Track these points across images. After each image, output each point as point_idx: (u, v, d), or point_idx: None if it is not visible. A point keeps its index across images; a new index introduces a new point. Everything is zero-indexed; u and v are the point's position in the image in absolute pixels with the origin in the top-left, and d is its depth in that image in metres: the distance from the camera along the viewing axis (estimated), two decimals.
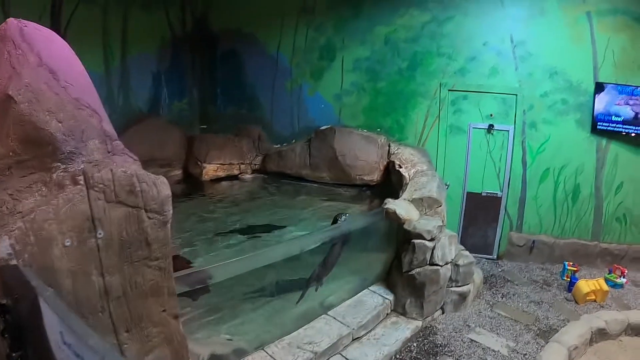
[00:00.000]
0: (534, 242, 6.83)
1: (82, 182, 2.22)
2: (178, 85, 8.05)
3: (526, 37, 6.46)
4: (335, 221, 5.00)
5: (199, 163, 7.32)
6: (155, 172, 6.53)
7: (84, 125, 2.28)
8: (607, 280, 5.94)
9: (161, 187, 2.46)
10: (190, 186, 7.14)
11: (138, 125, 7.12)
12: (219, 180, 7.33)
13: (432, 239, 4.80)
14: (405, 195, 5.49)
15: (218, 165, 7.35)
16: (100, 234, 2.24)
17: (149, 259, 2.45)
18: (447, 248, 5.03)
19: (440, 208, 5.42)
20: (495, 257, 7.02)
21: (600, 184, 6.61)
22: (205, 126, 8.32)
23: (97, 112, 2.41)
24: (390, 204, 5.17)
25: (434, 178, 5.84)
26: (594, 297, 5.62)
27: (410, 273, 4.83)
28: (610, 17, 6.20)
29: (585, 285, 5.63)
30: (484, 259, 6.92)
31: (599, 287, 5.59)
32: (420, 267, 4.80)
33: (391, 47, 6.93)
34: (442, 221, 5.26)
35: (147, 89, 7.52)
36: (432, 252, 4.82)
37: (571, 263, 6.39)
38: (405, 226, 4.93)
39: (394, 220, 5.03)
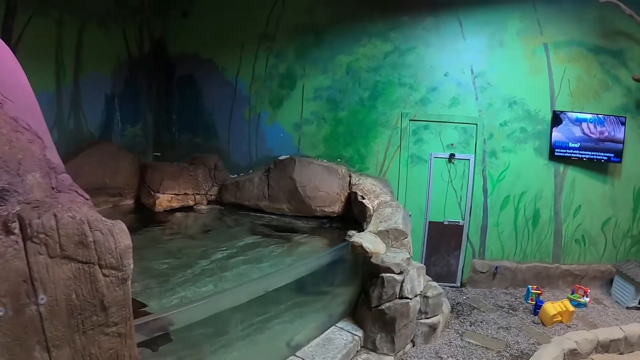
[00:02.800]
0: (496, 268, 6.86)
1: (16, 230, 1.70)
2: (132, 110, 7.60)
3: (486, 68, 6.63)
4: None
5: (152, 193, 6.91)
6: (106, 202, 6.28)
7: (21, 154, 1.80)
8: (571, 301, 6.08)
9: (120, 236, 1.97)
10: (143, 217, 6.65)
11: (89, 150, 6.63)
12: (173, 211, 6.92)
13: (400, 272, 4.69)
14: (371, 227, 5.34)
15: (172, 195, 6.94)
16: (42, 299, 1.75)
17: (106, 325, 1.95)
18: (416, 280, 4.92)
19: (406, 240, 5.30)
20: (458, 284, 6.97)
21: (559, 208, 6.84)
22: (159, 153, 7.89)
23: (40, 136, 1.93)
24: (356, 237, 5.02)
25: (398, 209, 5.71)
26: (560, 319, 5.71)
27: (379, 308, 4.68)
28: (566, 48, 6.52)
29: (551, 307, 5.72)
30: (448, 287, 6.85)
31: (564, 309, 5.71)
32: (390, 301, 4.66)
33: (352, 77, 6.85)
34: (409, 253, 5.16)
35: (99, 112, 7.02)
36: (402, 285, 4.71)
37: (535, 286, 6.49)
38: (373, 260, 4.79)
39: (361, 254, 4.87)
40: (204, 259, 5.00)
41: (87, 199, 2.04)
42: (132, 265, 2.01)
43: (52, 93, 6.25)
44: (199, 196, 7.18)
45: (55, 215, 1.79)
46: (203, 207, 7.14)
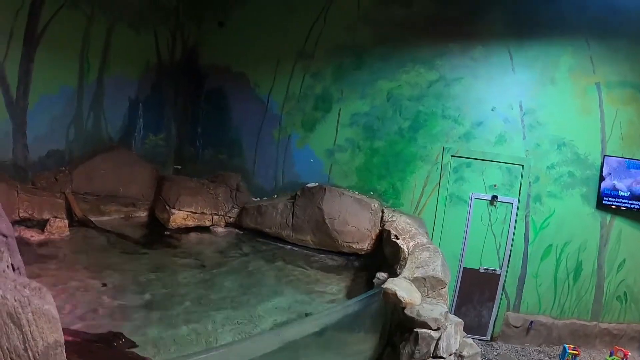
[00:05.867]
0: (531, 322, 6.02)
1: None
2: (156, 118, 6.90)
3: (535, 105, 5.91)
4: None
5: (168, 208, 6.11)
6: (118, 211, 5.45)
7: None
8: None
9: (37, 325, 1.11)
10: (153, 233, 5.89)
11: (105, 155, 5.99)
12: (187, 230, 6.09)
13: (437, 329, 3.86)
14: (406, 273, 4.48)
15: (189, 213, 6.13)
16: None
17: None
18: (453, 337, 4.05)
19: (443, 290, 4.44)
20: (489, 338, 6.10)
21: (603, 261, 6.02)
22: (179, 167, 7.14)
23: None
24: (390, 283, 4.17)
25: (437, 254, 4.85)
26: None
27: None
28: (619, 89, 5.84)
29: None
30: (477, 340, 5.99)
31: None
32: None
33: (393, 104, 6.09)
34: (446, 305, 4.30)
35: (121, 116, 6.37)
36: (437, 343, 3.86)
37: (572, 346, 5.69)
38: (407, 311, 3.93)
39: (393, 303, 4.02)
40: (210, 290, 4.29)
41: (3, 236, 1.19)
42: None
43: (73, 89, 5.67)
44: (217, 217, 6.36)
45: None
46: (220, 229, 6.29)
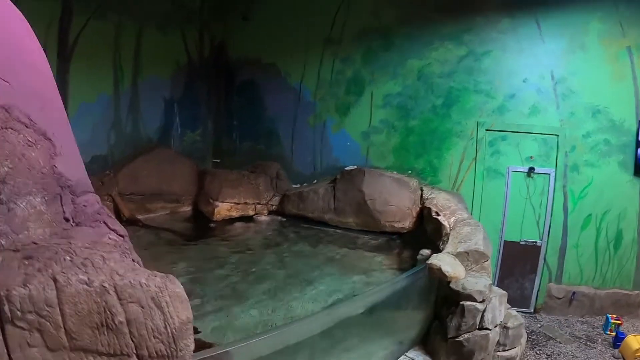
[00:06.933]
0: (574, 293, 5.86)
1: None
2: (191, 115, 7.02)
3: (567, 73, 5.68)
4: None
5: (211, 201, 6.20)
6: (164, 208, 5.53)
7: (8, 165, 1.09)
8: None
9: (173, 306, 1.21)
10: (200, 226, 6.01)
11: (146, 155, 6.15)
12: (232, 220, 6.18)
13: (482, 301, 3.82)
14: (449, 248, 4.47)
15: (232, 204, 6.22)
16: None
17: None
18: (497, 309, 4.02)
19: (486, 263, 4.41)
20: (532, 310, 5.98)
21: None
22: (218, 160, 7.24)
23: (50, 137, 1.20)
24: (434, 259, 4.14)
25: (478, 228, 4.81)
26: None
27: (457, 339, 3.80)
28: None
29: (634, 341, 4.74)
30: (521, 313, 5.88)
31: None
32: (469, 332, 3.79)
33: (424, 82, 5.98)
34: (490, 277, 4.28)
35: (158, 117, 6.52)
36: (482, 315, 3.83)
37: (614, 316, 5.50)
38: (452, 285, 3.92)
39: (438, 278, 4.01)
40: (263, 276, 4.34)
41: (121, 236, 1.25)
42: (192, 347, 1.26)
43: (109, 96, 5.84)
44: (259, 206, 6.43)
45: (55, 280, 1.00)
46: (263, 217, 6.38)
